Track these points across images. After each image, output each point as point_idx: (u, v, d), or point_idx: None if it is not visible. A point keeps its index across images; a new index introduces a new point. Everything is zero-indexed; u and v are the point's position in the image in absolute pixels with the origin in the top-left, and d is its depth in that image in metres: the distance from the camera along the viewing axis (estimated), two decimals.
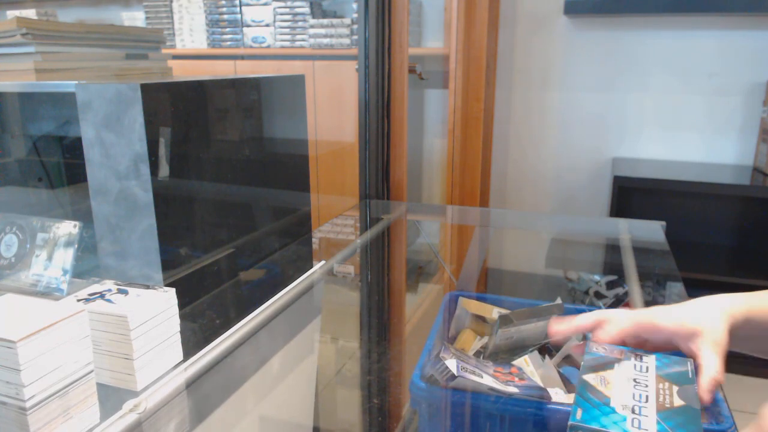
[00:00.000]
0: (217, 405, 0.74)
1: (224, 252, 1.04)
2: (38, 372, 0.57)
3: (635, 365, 0.61)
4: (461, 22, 2.05)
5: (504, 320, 0.74)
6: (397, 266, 1.35)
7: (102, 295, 0.70)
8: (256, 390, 0.79)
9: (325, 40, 2.47)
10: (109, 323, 0.67)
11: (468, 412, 0.64)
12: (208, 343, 0.82)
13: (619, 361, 0.62)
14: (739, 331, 0.60)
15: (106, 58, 1.14)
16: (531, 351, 0.77)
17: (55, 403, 0.59)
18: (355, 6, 2.50)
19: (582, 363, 0.63)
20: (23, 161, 1.20)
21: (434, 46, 2.54)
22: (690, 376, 0.59)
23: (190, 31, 2.73)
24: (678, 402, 0.55)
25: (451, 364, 0.63)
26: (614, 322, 0.65)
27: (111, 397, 0.67)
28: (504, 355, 0.76)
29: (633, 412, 0.53)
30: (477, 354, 0.78)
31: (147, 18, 2.81)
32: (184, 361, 0.76)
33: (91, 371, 0.63)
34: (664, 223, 1.41)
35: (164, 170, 0.88)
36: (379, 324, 1.02)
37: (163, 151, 0.87)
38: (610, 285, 1.13)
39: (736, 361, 1.01)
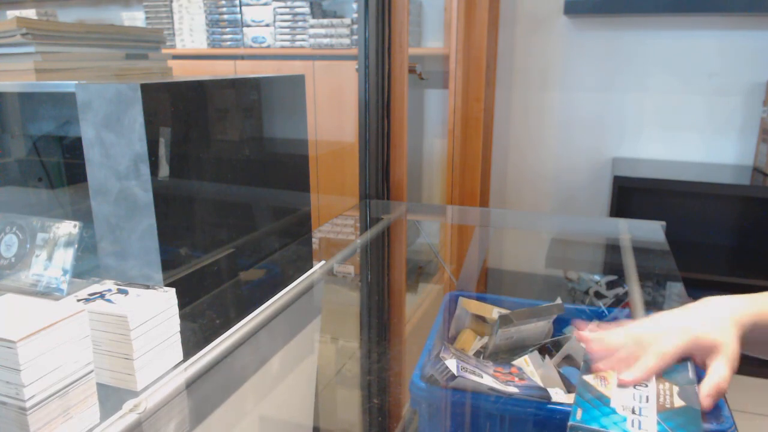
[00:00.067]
0: (217, 405, 0.74)
1: (224, 252, 1.04)
2: (38, 372, 0.57)
3: None
4: (461, 22, 2.05)
5: (504, 320, 0.74)
6: (397, 266, 1.35)
7: (102, 295, 0.70)
8: (256, 390, 0.79)
9: (325, 40, 2.47)
10: (109, 323, 0.67)
11: (468, 412, 0.64)
12: (208, 343, 0.82)
13: None
14: (746, 336, 0.61)
15: (106, 58, 1.14)
16: (531, 351, 0.77)
17: (55, 403, 0.59)
18: (355, 6, 2.50)
19: (582, 363, 0.63)
20: (23, 161, 1.20)
21: (434, 46, 2.54)
22: (690, 377, 0.59)
23: (190, 31, 2.73)
24: (678, 402, 0.55)
25: (451, 364, 0.63)
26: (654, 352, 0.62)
27: (111, 397, 0.67)
28: (504, 355, 0.76)
29: (633, 412, 0.53)
30: (477, 354, 0.78)
31: (147, 18, 2.81)
32: (184, 361, 0.76)
33: (91, 371, 0.63)
34: (664, 223, 1.41)
35: (164, 170, 0.88)
36: (379, 324, 1.02)
37: (163, 151, 0.87)
38: (610, 285, 1.13)
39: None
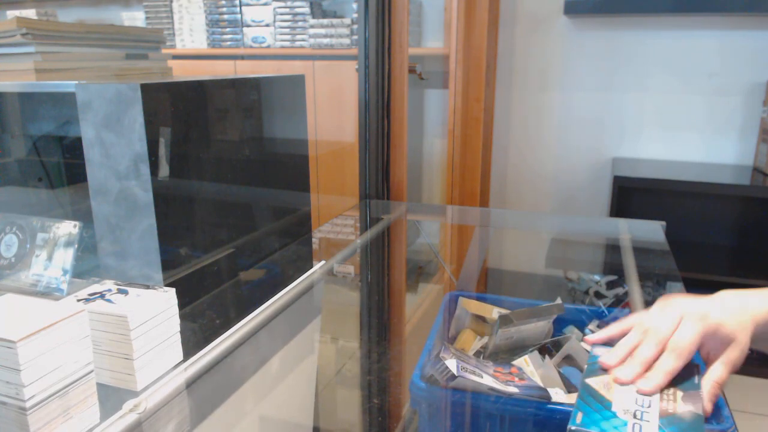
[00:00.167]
0: (217, 405, 0.74)
1: (224, 252, 1.04)
2: (38, 372, 0.57)
3: None
4: (461, 22, 2.05)
5: (504, 320, 0.74)
6: (397, 266, 1.35)
7: (102, 295, 0.70)
8: (256, 390, 0.79)
9: (325, 40, 2.47)
10: (109, 323, 0.67)
11: (468, 412, 0.64)
12: (208, 343, 0.82)
13: None
14: (758, 333, 0.60)
15: (106, 58, 1.14)
16: (531, 351, 0.77)
17: (55, 403, 0.59)
18: (355, 6, 2.50)
19: (585, 366, 0.62)
20: (23, 161, 1.20)
21: (434, 46, 2.54)
22: (696, 381, 0.58)
23: (190, 31, 2.73)
24: (682, 407, 0.54)
25: (451, 364, 0.63)
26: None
27: (111, 397, 0.67)
28: (504, 355, 0.76)
29: (635, 417, 0.53)
30: (477, 354, 0.78)
31: (147, 18, 2.81)
32: (184, 361, 0.76)
33: (91, 371, 0.63)
34: (664, 223, 1.41)
35: (164, 170, 0.88)
36: (379, 324, 1.02)
37: (163, 151, 0.87)
38: (610, 285, 1.13)
39: None
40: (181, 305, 0.75)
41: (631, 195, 2.28)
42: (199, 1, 2.67)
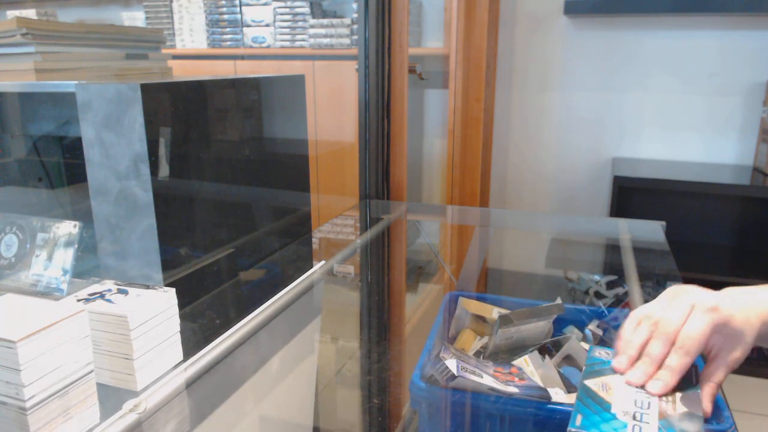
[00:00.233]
0: (217, 405, 0.74)
1: (224, 252, 1.04)
2: (38, 372, 0.57)
3: None
4: (461, 22, 2.05)
5: (504, 320, 0.74)
6: (397, 266, 1.35)
7: (102, 295, 0.70)
8: (256, 390, 0.79)
9: (325, 40, 2.47)
10: (109, 323, 0.67)
11: (468, 412, 0.64)
12: (208, 343, 0.82)
13: None
14: (765, 331, 0.59)
15: (106, 58, 1.14)
16: (531, 351, 0.77)
17: (55, 403, 0.59)
18: (355, 6, 2.50)
19: (584, 368, 0.62)
20: (23, 161, 1.20)
21: (434, 46, 2.54)
22: (695, 382, 0.58)
23: (190, 31, 2.73)
24: (681, 408, 0.54)
25: (451, 364, 0.63)
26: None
27: (111, 397, 0.67)
28: (504, 355, 0.76)
29: (634, 418, 0.53)
30: (477, 354, 0.78)
31: (147, 18, 2.81)
32: (184, 361, 0.76)
33: (91, 371, 0.63)
34: (664, 223, 1.41)
35: (164, 170, 0.88)
36: (379, 324, 1.02)
37: (163, 151, 0.87)
38: (610, 285, 1.13)
39: None
40: (181, 305, 0.75)
41: (631, 195, 2.28)
42: (199, 1, 2.67)
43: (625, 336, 0.61)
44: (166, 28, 2.76)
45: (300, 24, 2.52)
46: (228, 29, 2.65)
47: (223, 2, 2.63)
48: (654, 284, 1.09)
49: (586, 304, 0.96)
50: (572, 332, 0.82)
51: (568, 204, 2.49)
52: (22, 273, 0.74)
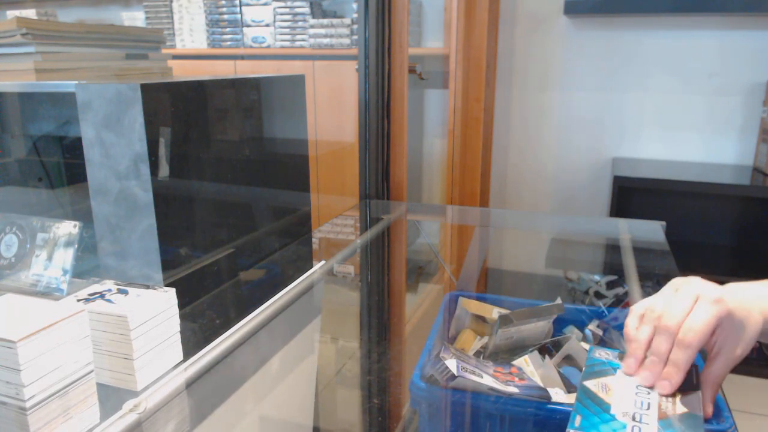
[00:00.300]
0: (217, 405, 0.74)
1: (224, 252, 1.04)
2: (38, 372, 0.57)
3: None
4: (461, 22, 2.05)
5: (504, 320, 0.74)
6: (397, 266, 1.35)
7: (102, 295, 0.70)
8: (256, 390, 0.79)
9: (325, 40, 2.47)
10: (109, 323, 0.67)
11: (468, 412, 0.64)
12: (208, 343, 0.82)
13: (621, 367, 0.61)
14: (764, 326, 0.59)
15: (106, 58, 1.14)
16: (531, 351, 0.77)
17: (55, 403, 0.59)
18: (355, 6, 2.50)
19: (583, 369, 0.62)
20: (23, 161, 1.20)
21: (434, 46, 2.54)
22: (694, 382, 0.58)
23: (190, 31, 2.73)
24: (681, 409, 0.54)
25: (451, 364, 0.63)
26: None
27: (111, 397, 0.67)
28: (504, 355, 0.76)
29: (634, 419, 0.53)
30: (477, 354, 0.78)
31: (147, 18, 2.81)
32: (184, 361, 0.76)
33: (91, 371, 0.63)
34: (664, 223, 1.41)
35: (164, 170, 0.88)
36: (379, 324, 1.02)
37: (163, 151, 0.87)
38: (610, 285, 1.13)
39: None
40: (181, 305, 0.75)
41: (631, 195, 2.28)
42: (199, 1, 2.67)
43: (631, 335, 0.60)
44: (166, 28, 2.76)
45: (300, 24, 2.52)
46: (228, 29, 2.65)
47: (223, 2, 2.63)
48: (654, 284, 1.09)
49: (586, 304, 0.96)
50: (572, 332, 0.82)
51: (568, 204, 2.49)
52: (22, 273, 0.74)
